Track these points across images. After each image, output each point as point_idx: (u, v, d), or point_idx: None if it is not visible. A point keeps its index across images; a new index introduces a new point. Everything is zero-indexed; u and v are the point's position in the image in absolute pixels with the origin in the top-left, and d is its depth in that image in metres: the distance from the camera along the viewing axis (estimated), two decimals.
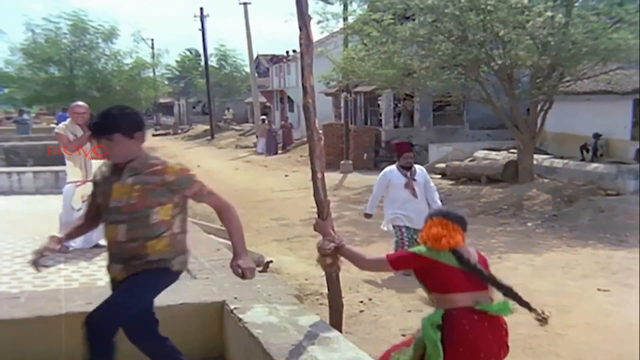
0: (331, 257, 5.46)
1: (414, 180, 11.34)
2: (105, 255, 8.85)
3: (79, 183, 9.34)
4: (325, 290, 10.69)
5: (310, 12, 4.77)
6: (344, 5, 22.49)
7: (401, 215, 11.37)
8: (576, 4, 18.78)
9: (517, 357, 7.71)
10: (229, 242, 11.00)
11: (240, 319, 4.96)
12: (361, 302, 10.21)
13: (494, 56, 18.95)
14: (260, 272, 10.31)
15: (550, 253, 13.55)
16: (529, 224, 16.40)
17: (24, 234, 10.85)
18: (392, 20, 19.15)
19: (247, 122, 62.11)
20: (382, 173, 11.87)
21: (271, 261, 11.96)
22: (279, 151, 39.37)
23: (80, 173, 9.37)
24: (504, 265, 12.70)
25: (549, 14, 16.25)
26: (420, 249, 4.95)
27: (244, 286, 5.63)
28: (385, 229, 12.01)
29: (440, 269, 4.74)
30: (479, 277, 4.76)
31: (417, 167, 11.60)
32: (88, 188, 9.32)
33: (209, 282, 5.89)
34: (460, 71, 20.06)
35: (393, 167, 11.68)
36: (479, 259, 4.96)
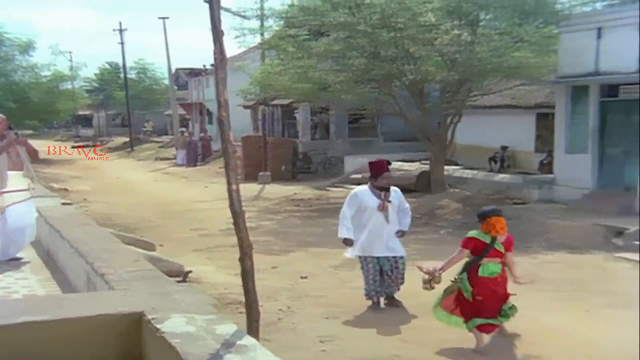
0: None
1: (389, 202, 10.22)
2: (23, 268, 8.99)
3: None
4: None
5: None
6: (261, 21, 22.87)
7: (369, 244, 10.22)
8: (481, 24, 19.67)
9: None
10: (149, 253, 11.25)
11: (158, 329, 5.09)
12: (280, 310, 10.45)
13: (405, 71, 19.63)
14: (179, 281, 10.61)
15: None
16: (441, 232, 17.04)
17: None
18: (307, 36, 19.65)
19: (166, 134, 61.72)
20: (353, 193, 10.58)
21: (190, 271, 12.16)
22: (199, 163, 39.41)
23: None
24: (417, 273, 13.22)
25: (456, 32, 17.00)
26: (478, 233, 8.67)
27: (163, 296, 5.85)
28: (348, 255, 10.78)
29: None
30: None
31: (391, 188, 10.42)
32: (5, 199, 9.49)
33: (127, 292, 6.02)
34: (374, 85, 20.69)
35: (365, 187, 10.45)
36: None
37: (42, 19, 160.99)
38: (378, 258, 10.27)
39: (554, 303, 10.98)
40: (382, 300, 10.46)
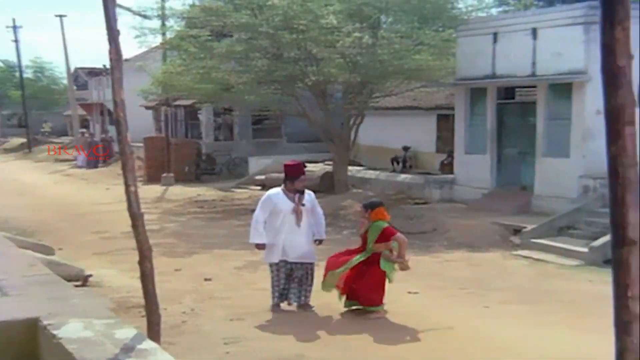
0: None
1: (302, 205, 10.10)
2: None
3: None
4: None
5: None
6: (162, 21, 22.56)
7: (282, 249, 10.06)
8: (382, 27, 19.97)
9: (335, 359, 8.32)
10: (47, 257, 10.94)
11: (54, 335, 4.97)
12: (184, 312, 10.34)
13: (308, 73, 19.72)
14: (79, 286, 10.36)
15: None
16: (344, 232, 17.17)
17: None
18: (209, 37, 19.50)
19: (66, 135, 60.18)
20: (266, 196, 10.38)
21: (90, 275, 11.88)
22: (100, 164, 38.54)
23: None
24: (319, 273, 13.32)
25: (357, 34, 17.19)
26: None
27: (60, 301, 5.70)
28: (267, 260, 10.52)
29: None
30: None
31: (305, 191, 10.31)
32: None
33: (22, 298, 5.83)
34: (277, 87, 20.72)
35: (278, 190, 10.25)
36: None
37: None
38: (290, 263, 10.12)
39: (455, 300, 11.26)
40: (294, 306, 10.35)
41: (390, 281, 9.80)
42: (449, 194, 20.01)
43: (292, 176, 10.07)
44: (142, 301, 10.92)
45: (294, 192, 10.04)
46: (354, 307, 9.98)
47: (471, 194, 19.10)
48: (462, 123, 19.88)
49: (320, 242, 10.55)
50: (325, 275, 10.07)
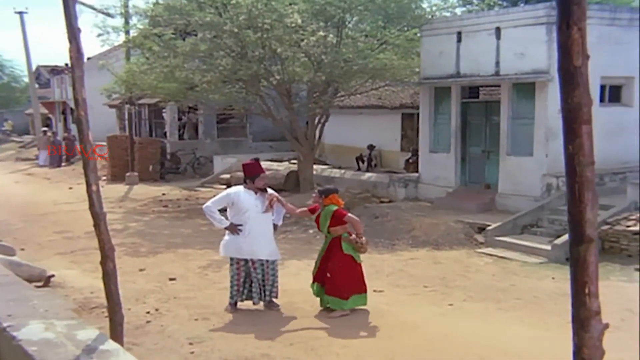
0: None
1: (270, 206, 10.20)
2: None
3: None
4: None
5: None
6: (125, 19, 22.37)
7: (245, 246, 10.09)
8: (348, 25, 20.01)
9: (300, 358, 8.32)
10: (8, 258, 10.79)
11: (14, 337, 4.90)
12: (148, 312, 10.28)
13: (272, 72, 19.69)
14: (40, 287, 10.23)
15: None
16: (310, 231, 17.16)
17: None
18: (173, 35, 19.38)
19: (27, 133, 59.43)
20: (226, 192, 10.42)
21: (52, 275, 11.73)
22: (63, 164, 38.10)
23: None
24: (287, 272, 13.28)
25: (322, 33, 17.19)
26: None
27: (20, 303, 5.62)
28: (222, 254, 10.65)
29: None
30: None
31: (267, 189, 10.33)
32: None
33: None
34: (242, 85, 20.64)
35: (240, 188, 10.27)
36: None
37: None
38: (252, 261, 10.13)
39: (419, 298, 11.33)
40: (260, 305, 10.35)
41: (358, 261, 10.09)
42: (414, 192, 20.09)
43: (251, 175, 10.14)
44: (106, 301, 10.94)
45: (256, 190, 10.08)
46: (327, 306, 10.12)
47: (436, 192, 19.21)
48: (427, 122, 19.97)
49: (275, 227, 10.63)
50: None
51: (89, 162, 4.67)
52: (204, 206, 10.47)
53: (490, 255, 14.68)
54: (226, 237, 10.33)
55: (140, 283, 12.37)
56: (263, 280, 10.21)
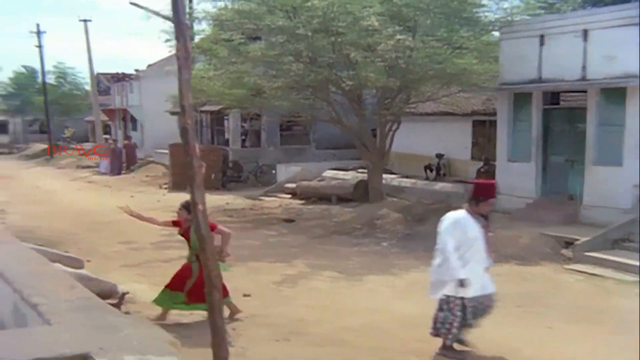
0: None
1: (490, 233, 8.87)
2: None
3: None
4: (185, 320, 10.28)
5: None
6: (190, 24, 21.98)
7: (474, 281, 8.52)
8: (421, 29, 19.22)
9: None
10: (77, 271, 10.27)
11: None
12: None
13: (343, 77, 19.01)
14: (113, 304, 9.62)
15: (409, 274, 13.56)
16: (384, 244, 16.45)
17: None
18: (242, 40, 18.85)
19: (87, 141, 59.86)
20: (453, 219, 8.65)
21: (127, 293, 11.15)
22: (123, 171, 38.00)
23: None
24: (365, 288, 12.62)
25: (400, 37, 16.46)
26: None
27: (109, 332, 5.01)
28: (436, 296, 8.88)
29: None
30: None
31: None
32: None
33: (66, 328, 5.12)
34: (311, 91, 20.01)
35: (463, 212, 8.66)
36: None
37: None
38: (471, 298, 8.58)
39: (514, 319, 10.50)
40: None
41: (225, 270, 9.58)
42: None
43: (483, 197, 8.62)
44: (180, 318, 10.35)
45: (479, 215, 8.59)
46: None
47: (514, 203, 18.26)
48: (505, 129, 19.07)
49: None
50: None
51: (195, 178, 3.99)
52: (441, 243, 8.67)
53: (581, 272, 13.73)
54: (460, 275, 8.43)
55: None
56: (476, 317, 8.82)
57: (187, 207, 10.06)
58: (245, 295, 11.93)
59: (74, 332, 4.96)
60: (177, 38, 4.08)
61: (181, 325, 9.95)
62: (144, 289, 12.44)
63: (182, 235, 10.29)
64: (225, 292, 9.72)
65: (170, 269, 14.61)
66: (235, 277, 13.40)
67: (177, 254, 15.81)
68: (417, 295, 11.94)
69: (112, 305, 9.28)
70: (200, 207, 3.99)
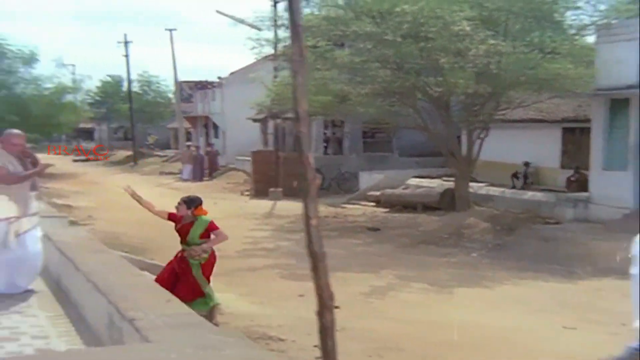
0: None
1: None
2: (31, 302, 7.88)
3: (12, 219, 8.03)
4: (275, 333, 10.03)
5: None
6: (274, 31, 21.93)
7: None
8: (512, 33, 18.65)
9: None
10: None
11: None
12: (316, 346, 9.33)
13: (430, 84, 18.56)
14: (205, 316, 9.41)
15: (502, 286, 13.07)
16: (474, 254, 15.96)
17: None
18: (328, 47, 18.61)
19: (169, 147, 60.82)
20: None
21: (218, 304, 10.93)
22: (205, 178, 38.31)
23: (16, 208, 8.07)
24: (456, 300, 12.18)
25: (492, 41, 15.94)
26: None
27: (211, 352, 4.76)
28: None
29: None
30: None
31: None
32: (23, 224, 8.35)
33: (166, 346, 4.88)
34: (398, 98, 19.62)
35: None
36: None
37: (45, 31, 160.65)
38: None
39: (623, 340, 9.88)
40: None
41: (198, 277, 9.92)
42: (584, 213, 18.45)
43: None
44: (269, 331, 10.12)
45: None
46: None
47: (610, 213, 17.49)
48: (600, 137, 18.33)
49: None
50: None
51: (309, 189, 3.70)
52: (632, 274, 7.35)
53: None
54: None
55: (302, 311, 11.45)
56: None
57: (187, 202, 9.96)
58: (334, 307, 11.63)
59: (175, 351, 4.73)
60: (292, 40, 3.79)
61: (271, 339, 9.72)
62: (231, 298, 12.28)
63: (178, 231, 10.04)
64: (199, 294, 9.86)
65: (256, 278, 14.51)
66: None
67: (262, 263, 15.74)
68: (511, 309, 11.49)
69: (203, 317, 9.11)
70: (313, 221, 3.68)
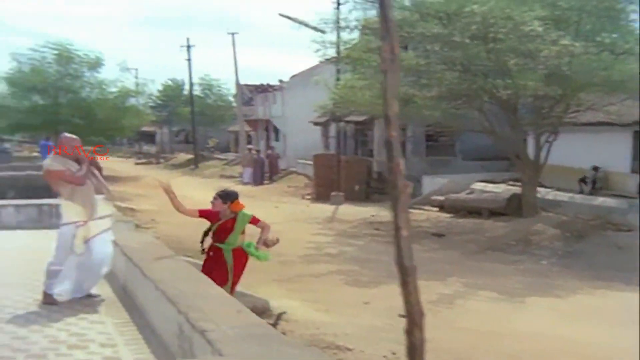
0: None
1: None
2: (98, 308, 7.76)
3: (80, 223, 7.99)
4: (342, 342, 9.75)
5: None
6: (337, 34, 21.72)
7: None
8: (582, 33, 18.07)
9: None
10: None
11: None
12: (385, 357, 9.13)
13: (498, 86, 18.07)
14: (272, 324, 9.18)
15: (575, 296, 12.58)
16: (543, 262, 15.46)
17: (3, 278, 9.69)
18: None
19: (228, 151, 61.11)
20: None
21: (284, 313, 10.73)
22: (265, 181, 38.27)
23: (83, 212, 8.03)
24: (528, 310, 11.76)
25: (565, 42, 15.41)
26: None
27: None
28: None
29: None
30: None
31: None
32: (90, 228, 8.27)
33: None
34: (464, 101, 19.18)
35: None
36: None
37: (108, 36, 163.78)
38: None
39: None
40: None
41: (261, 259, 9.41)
42: None
43: None
44: (336, 340, 9.84)
45: None
46: None
47: None
48: None
49: None
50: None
51: (399, 198, 3.41)
52: None
53: None
54: None
55: (367, 318, 11.23)
56: None
57: (223, 196, 9.19)
58: (401, 316, 11.28)
59: None
60: (382, 36, 3.50)
61: (339, 348, 9.45)
62: (296, 305, 12.03)
63: (215, 230, 9.17)
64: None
65: (320, 284, 14.24)
66: (389, 296, 12.86)
67: (327, 269, 15.46)
68: (586, 320, 11.02)
69: (270, 324, 8.88)
70: (404, 232, 3.40)
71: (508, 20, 15.74)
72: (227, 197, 9.18)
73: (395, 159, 3.45)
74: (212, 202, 9.26)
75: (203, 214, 9.32)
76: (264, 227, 9.36)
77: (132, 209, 25.92)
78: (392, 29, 3.46)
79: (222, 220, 9.11)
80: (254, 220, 9.26)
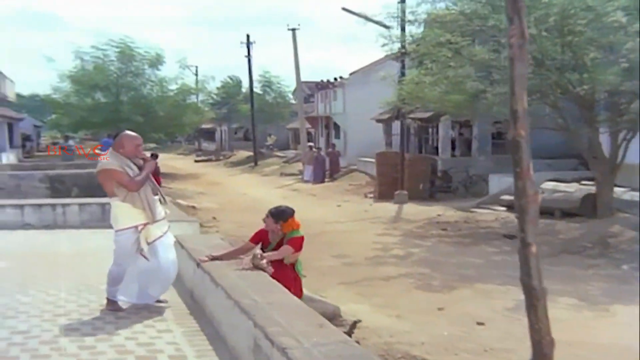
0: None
1: None
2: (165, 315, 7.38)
3: (140, 227, 7.60)
4: (418, 352, 9.22)
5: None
6: (401, 28, 21.12)
7: None
8: None
9: None
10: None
11: None
12: None
13: (573, 81, 17.24)
14: (347, 333, 8.66)
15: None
16: (624, 267, 14.60)
17: (67, 281, 9.42)
18: (464, 43, 17.59)
19: (288, 148, 60.91)
20: None
21: (359, 321, 10.19)
22: (326, 179, 37.81)
23: (143, 215, 7.62)
24: (614, 320, 11.06)
25: None
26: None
27: None
28: None
29: None
30: None
31: None
32: (151, 231, 7.90)
33: None
34: (538, 96, 18.37)
35: None
36: None
37: (169, 33, 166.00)
38: None
39: None
40: None
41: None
42: None
43: None
44: (411, 349, 9.29)
45: None
46: None
47: None
48: None
49: None
50: None
51: (527, 208, 2.88)
52: None
53: None
54: None
55: (443, 326, 10.66)
56: None
57: (275, 215, 8.20)
58: (478, 324, 10.72)
59: None
60: (509, 20, 2.99)
61: (415, 359, 8.92)
62: (366, 310, 11.54)
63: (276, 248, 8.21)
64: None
65: (389, 288, 13.71)
66: (464, 302, 12.28)
67: (395, 271, 14.91)
68: None
69: (346, 332, 8.39)
70: (532, 249, 2.87)
71: (588, 11, 14.94)
72: (279, 215, 8.21)
73: (524, 162, 2.93)
74: (264, 220, 8.33)
75: (254, 239, 8.46)
76: (283, 251, 8.12)
77: (193, 207, 25.77)
78: (521, 11, 2.94)
79: (273, 243, 8.28)
80: (289, 241, 8.17)
